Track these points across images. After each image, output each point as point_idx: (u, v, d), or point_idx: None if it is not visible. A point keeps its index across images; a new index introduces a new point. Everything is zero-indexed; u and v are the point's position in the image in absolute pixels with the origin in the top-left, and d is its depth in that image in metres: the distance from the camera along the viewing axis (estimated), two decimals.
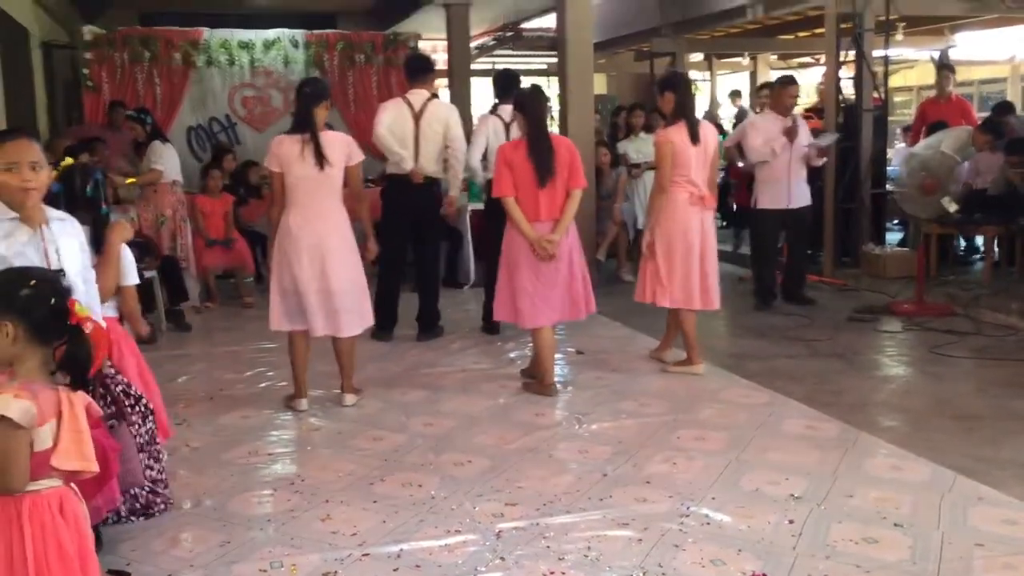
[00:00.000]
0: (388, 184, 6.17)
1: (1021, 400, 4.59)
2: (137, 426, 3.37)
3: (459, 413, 4.55)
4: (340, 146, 4.60)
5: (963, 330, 6.03)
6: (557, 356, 5.26)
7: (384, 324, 6.04)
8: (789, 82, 6.96)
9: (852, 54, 8.25)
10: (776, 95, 6.97)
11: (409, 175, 5.95)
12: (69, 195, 3.59)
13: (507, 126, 5.98)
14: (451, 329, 6.40)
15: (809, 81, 15.99)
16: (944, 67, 9.30)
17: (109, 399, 3.31)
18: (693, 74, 14.87)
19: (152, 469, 3.44)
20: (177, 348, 6.11)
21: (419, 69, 6.16)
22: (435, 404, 4.72)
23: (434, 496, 3.52)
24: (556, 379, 4.94)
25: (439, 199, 6.23)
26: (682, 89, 5.13)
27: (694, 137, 5.04)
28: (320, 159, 4.46)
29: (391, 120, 5.93)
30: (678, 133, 5.04)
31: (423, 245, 6.20)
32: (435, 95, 6.17)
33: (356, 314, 4.66)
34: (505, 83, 6.10)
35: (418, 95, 6.01)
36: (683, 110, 5.09)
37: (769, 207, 6.88)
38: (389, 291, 6.10)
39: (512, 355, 5.68)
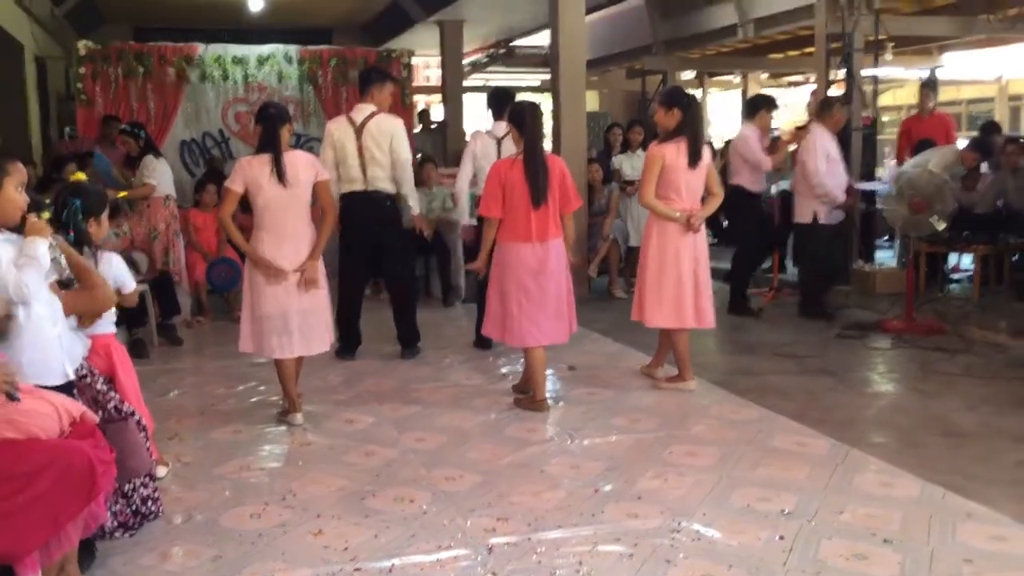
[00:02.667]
0: (342, 202, 5.87)
1: (1010, 417, 4.62)
2: None
3: (451, 428, 4.56)
4: (305, 166, 4.62)
5: (952, 347, 6.07)
6: (549, 372, 5.27)
7: (347, 343, 5.99)
8: (845, 102, 7.57)
9: (842, 73, 8.33)
10: (839, 112, 7.20)
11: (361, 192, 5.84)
12: (56, 215, 3.60)
13: (499, 142, 6.01)
14: (443, 344, 6.42)
15: (799, 100, 16.13)
16: (926, 85, 9.47)
17: (100, 413, 3.31)
18: None
19: (147, 487, 3.44)
20: (169, 362, 6.10)
21: (363, 80, 6.00)
22: (427, 419, 4.72)
23: (426, 511, 3.52)
24: (548, 395, 4.95)
25: (396, 214, 6.05)
26: (692, 108, 5.06)
27: (693, 159, 4.99)
28: (282, 178, 4.47)
29: (336, 138, 5.80)
30: (674, 151, 5.01)
31: (390, 262, 6.04)
32: (388, 110, 5.94)
33: (325, 331, 4.74)
34: (499, 101, 6.11)
35: (361, 110, 5.86)
36: (688, 129, 5.01)
37: (828, 222, 7.10)
38: (349, 310, 6.02)
39: (504, 371, 5.69)
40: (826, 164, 6.95)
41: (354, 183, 5.85)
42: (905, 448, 4.21)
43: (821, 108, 7.31)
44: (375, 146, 5.80)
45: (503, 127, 5.80)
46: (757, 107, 7.49)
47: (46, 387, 2.89)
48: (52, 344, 3.00)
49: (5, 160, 2.94)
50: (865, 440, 4.32)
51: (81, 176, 3.88)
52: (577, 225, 6.03)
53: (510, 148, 5.41)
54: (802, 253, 7.38)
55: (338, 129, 5.86)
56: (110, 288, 3.42)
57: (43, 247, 2.92)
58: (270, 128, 4.55)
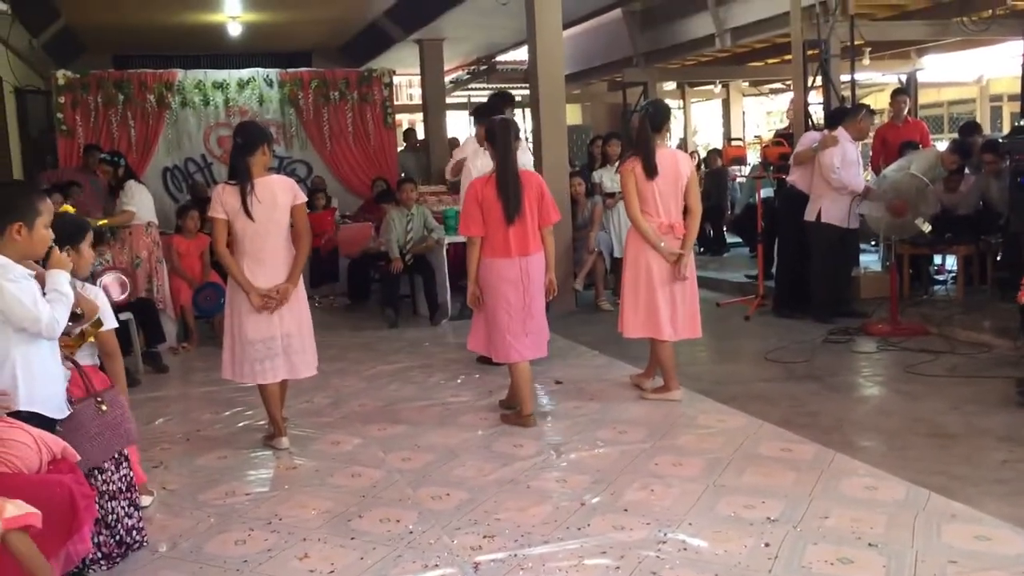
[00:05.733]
0: None
1: (994, 416, 4.64)
2: (111, 472, 3.36)
3: (438, 447, 4.55)
4: (283, 189, 4.56)
5: (937, 349, 6.08)
6: (536, 386, 5.27)
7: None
8: (872, 112, 7.47)
9: (820, 79, 8.38)
10: (863, 121, 7.19)
11: None
12: None
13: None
14: (430, 363, 6.41)
15: (782, 107, 16.23)
16: (898, 92, 9.49)
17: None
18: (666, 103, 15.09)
19: (131, 517, 3.43)
20: (155, 390, 6.07)
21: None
22: (414, 438, 4.71)
23: (412, 531, 3.51)
24: (535, 409, 4.94)
25: None
26: (643, 122, 5.11)
27: (649, 172, 5.02)
28: (249, 212, 4.42)
29: None
30: (638, 166, 5.06)
31: None
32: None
33: (310, 355, 4.71)
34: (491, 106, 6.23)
35: None
36: (636, 144, 5.10)
37: (835, 223, 7.03)
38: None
39: (491, 387, 5.68)
40: (841, 163, 6.90)
41: None
42: (890, 451, 4.22)
43: (847, 114, 7.32)
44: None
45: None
46: (856, 112, 7.30)
47: (53, 420, 2.95)
48: (60, 378, 3.07)
49: (38, 199, 2.96)
50: (851, 444, 4.32)
51: (69, 208, 3.90)
52: (562, 239, 6.06)
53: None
54: (810, 253, 7.24)
55: None
56: (92, 301, 3.46)
57: (67, 281, 2.95)
58: (235, 158, 4.52)
